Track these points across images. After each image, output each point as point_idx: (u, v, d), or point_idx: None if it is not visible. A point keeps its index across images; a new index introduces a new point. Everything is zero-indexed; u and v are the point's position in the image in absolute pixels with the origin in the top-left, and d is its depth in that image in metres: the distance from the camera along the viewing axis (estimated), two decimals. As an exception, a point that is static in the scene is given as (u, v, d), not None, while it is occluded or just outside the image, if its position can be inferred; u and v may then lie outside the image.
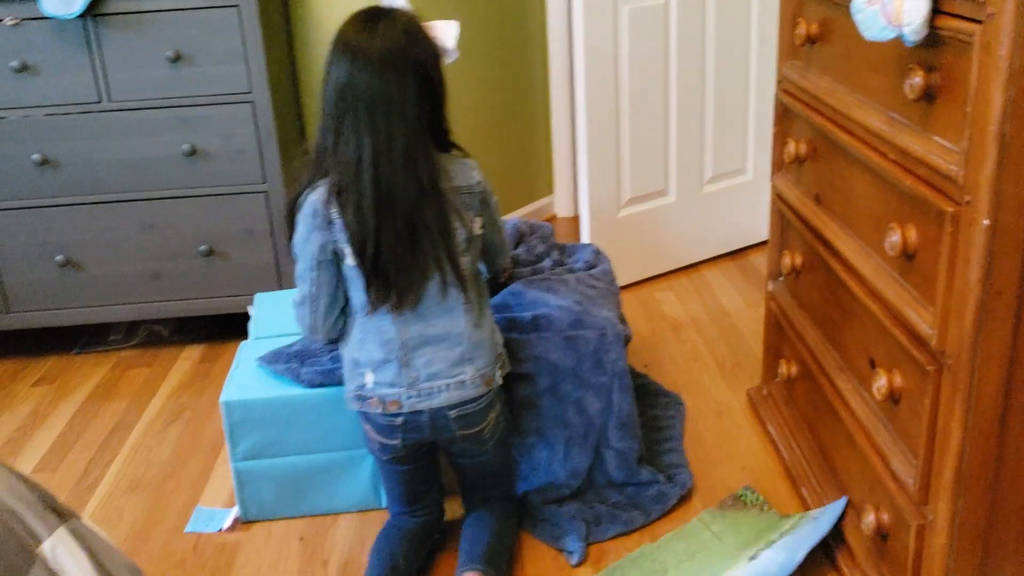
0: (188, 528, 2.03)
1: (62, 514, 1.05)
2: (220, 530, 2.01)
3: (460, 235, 1.66)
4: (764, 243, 3.36)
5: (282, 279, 2.73)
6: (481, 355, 1.71)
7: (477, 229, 1.72)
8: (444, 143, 1.70)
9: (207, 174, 2.60)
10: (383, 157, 1.55)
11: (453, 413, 1.71)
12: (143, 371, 2.72)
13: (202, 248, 2.67)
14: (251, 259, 2.70)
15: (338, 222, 1.60)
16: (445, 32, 1.68)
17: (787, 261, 2.01)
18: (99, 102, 2.53)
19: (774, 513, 1.90)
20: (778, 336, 2.17)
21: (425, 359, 1.68)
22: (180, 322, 2.96)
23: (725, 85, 3.07)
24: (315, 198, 1.62)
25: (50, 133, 2.55)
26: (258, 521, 2.03)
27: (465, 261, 1.67)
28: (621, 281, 2.96)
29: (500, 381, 1.77)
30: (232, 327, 2.80)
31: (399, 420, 1.70)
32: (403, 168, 1.56)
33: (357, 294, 1.67)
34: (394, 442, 1.74)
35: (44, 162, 2.56)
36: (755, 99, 3.15)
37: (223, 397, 1.95)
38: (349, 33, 1.60)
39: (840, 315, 1.74)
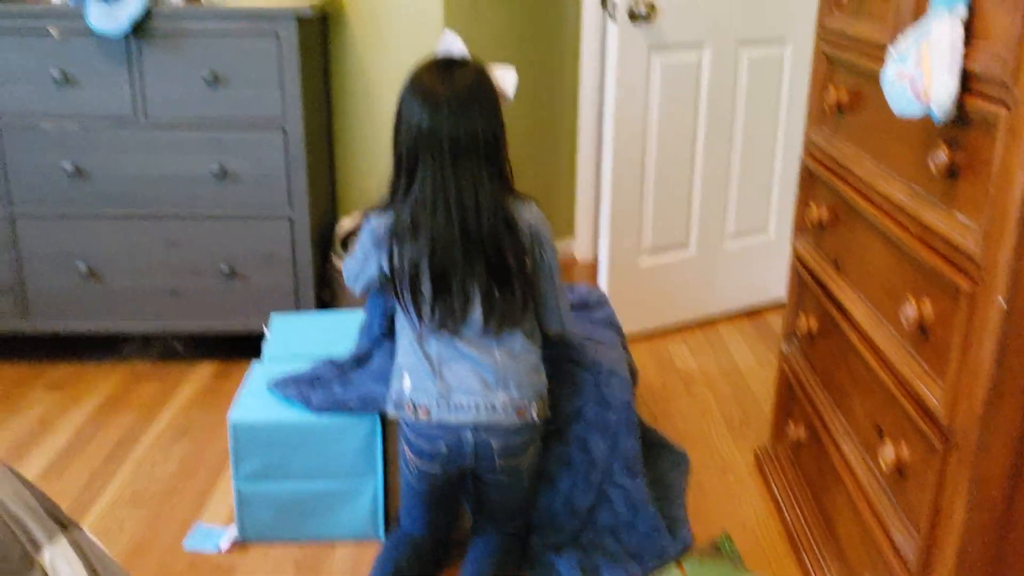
0: (185, 544, 2.03)
1: (64, 523, 1.06)
2: (217, 549, 2.01)
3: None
4: (782, 303, 3.36)
5: (299, 304, 2.76)
6: (515, 386, 1.74)
7: (528, 266, 1.78)
8: (505, 184, 1.79)
9: (234, 196, 2.64)
10: (457, 194, 1.67)
11: (496, 444, 1.74)
12: (154, 385, 2.74)
13: (223, 268, 2.69)
14: (270, 283, 2.72)
15: (401, 250, 1.71)
16: (505, 78, 1.79)
17: (802, 323, 2.01)
18: (135, 118, 2.57)
19: (744, 570, 1.90)
20: (789, 397, 2.17)
21: (458, 376, 1.74)
22: (195, 339, 2.98)
23: (753, 143, 3.09)
24: (378, 223, 1.77)
25: (84, 144, 2.59)
26: (256, 543, 2.03)
27: (513, 296, 1.75)
28: (635, 330, 2.97)
29: (534, 417, 1.77)
30: (246, 347, 2.81)
31: (442, 446, 1.73)
32: (475, 205, 1.68)
33: (410, 313, 1.77)
34: (432, 469, 1.77)
35: (76, 172, 2.61)
36: (781, 159, 3.17)
37: (231, 417, 1.96)
38: (424, 79, 1.70)
39: (850, 381, 1.74)
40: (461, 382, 1.73)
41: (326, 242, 2.91)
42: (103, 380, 2.77)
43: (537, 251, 1.80)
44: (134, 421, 2.53)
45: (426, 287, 1.71)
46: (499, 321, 1.73)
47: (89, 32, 2.49)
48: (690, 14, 2.82)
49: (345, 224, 2.90)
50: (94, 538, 1.13)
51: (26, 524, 1.00)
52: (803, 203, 2.07)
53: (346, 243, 2.83)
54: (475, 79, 1.70)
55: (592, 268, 3.76)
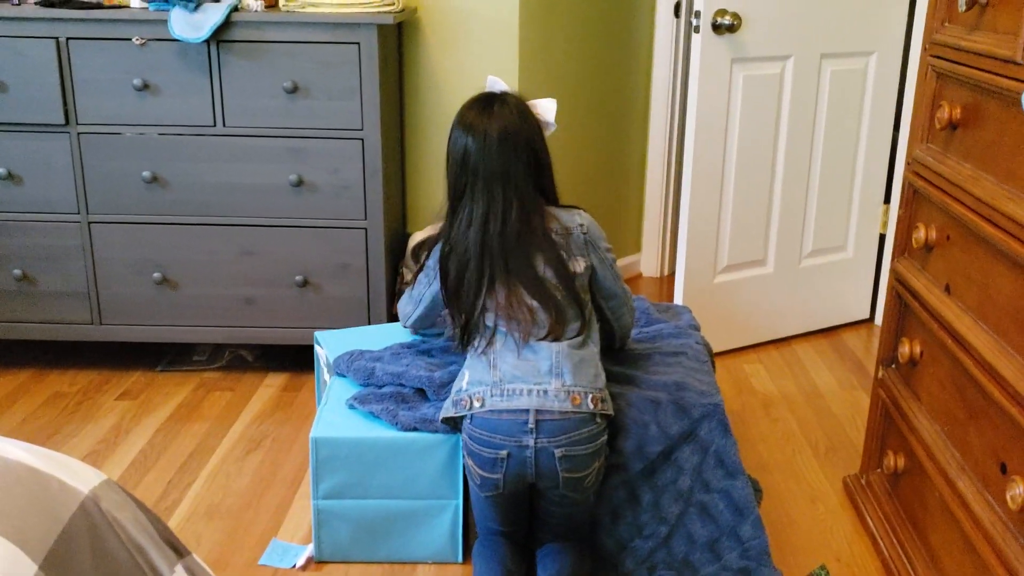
0: (262, 560, 2.00)
1: (179, 550, 1.03)
2: (294, 566, 1.98)
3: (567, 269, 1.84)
4: (859, 323, 3.27)
5: (371, 315, 2.73)
6: (571, 373, 1.77)
7: (580, 268, 1.86)
8: (553, 200, 1.92)
9: (310, 206, 2.62)
10: (485, 217, 1.80)
11: (559, 452, 1.73)
12: (226, 395, 2.72)
13: (298, 278, 2.67)
14: (344, 293, 2.69)
15: (447, 270, 1.86)
16: (546, 109, 1.91)
17: (904, 349, 1.93)
18: (213, 126, 2.56)
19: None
20: (885, 425, 2.09)
21: (511, 365, 1.79)
22: (264, 348, 2.96)
23: (833, 159, 3.01)
24: (437, 250, 1.90)
25: (163, 152, 2.58)
26: (333, 562, 1.99)
27: (565, 295, 1.82)
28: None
29: (590, 406, 1.76)
30: (312, 359, 2.78)
31: (503, 454, 1.74)
32: (519, 226, 1.80)
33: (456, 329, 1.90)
34: (496, 476, 1.76)
35: (154, 180, 2.60)
36: (862, 176, 3.08)
37: (313, 433, 1.93)
38: (468, 116, 1.84)
39: (965, 413, 1.65)
40: (514, 370, 1.78)
41: (398, 254, 2.88)
42: (174, 389, 2.75)
43: (591, 252, 1.89)
44: (207, 432, 2.51)
45: (457, 308, 1.86)
46: (544, 330, 1.80)
47: (170, 40, 2.48)
48: (775, 26, 2.76)
49: (417, 237, 2.87)
50: (204, 564, 1.09)
51: (147, 552, 0.97)
52: (907, 224, 1.99)
53: (416, 255, 2.80)
54: (515, 112, 1.83)
55: (659, 283, 3.70)
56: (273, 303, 2.71)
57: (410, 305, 2.06)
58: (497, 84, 1.91)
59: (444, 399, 1.93)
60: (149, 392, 2.74)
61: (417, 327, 2.11)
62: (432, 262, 1.92)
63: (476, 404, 1.77)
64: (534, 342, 1.80)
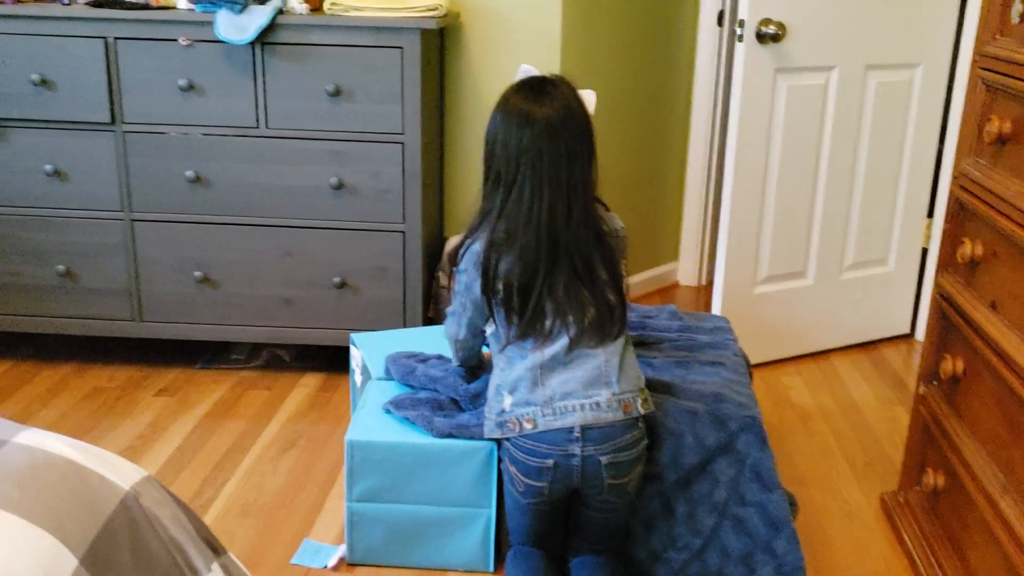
0: (294, 560, 2.01)
1: (216, 549, 1.03)
2: (325, 566, 1.99)
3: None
4: (899, 337, 3.23)
5: (407, 318, 2.73)
6: (618, 380, 1.75)
7: (623, 270, 1.83)
8: (594, 196, 1.83)
9: (350, 209, 2.63)
10: (550, 208, 1.70)
11: (605, 460, 1.71)
12: (262, 393, 2.74)
13: (335, 280, 2.69)
14: (381, 295, 2.71)
15: (497, 263, 1.73)
16: (588, 100, 1.81)
17: (947, 366, 1.90)
18: (256, 127, 2.59)
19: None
20: (925, 442, 2.05)
21: (559, 379, 1.73)
22: (301, 348, 2.98)
23: (876, 171, 2.97)
24: (477, 247, 1.77)
25: (206, 152, 2.61)
26: (365, 565, 2.00)
27: (616, 296, 1.78)
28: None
29: (640, 410, 1.76)
30: (349, 360, 2.80)
31: (550, 463, 1.71)
32: (565, 217, 1.71)
33: (502, 328, 1.78)
34: (541, 484, 1.74)
35: (196, 179, 2.63)
36: (905, 189, 3.04)
37: (348, 436, 1.93)
38: (518, 102, 1.74)
39: (1009, 432, 1.62)
40: (562, 386, 1.73)
41: (434, 258, 2.88)
42: (212, 387, 2.78)
43: (626, 258, 1.87)
44: (243, 430, 2.53)
45: (516, 300, 1.74)
46: (594, 329, 1.74)
47: (216, 41, 2.51)
48: (820, 36, 2.73)
49: (452, 241, 2.87)
50: (239, 562, 1.10)
51: (186, 550, 0.97)
52: (951, 238, 1.96)
53: (454, 259, 2.80)
54: (568, 95, 1.74)
55: (696, 292, 3.68)
56: (311, 304, 2.73)
57: (453, 325, 1.91)
58: (531, 71, 1.82)
59: (479, 408, 1.92)
60: (187, 389, 2.76)
61: (467, 348, 1.95)
62: (469, 263, 1.78)
63: (527, 426, 1.72)
64: (578, 349, 1.74)
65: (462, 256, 1.80)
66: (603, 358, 1.75)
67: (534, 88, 1.75)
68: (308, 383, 2.82)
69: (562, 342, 1.74)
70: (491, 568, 1.98)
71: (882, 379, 2.92)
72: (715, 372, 2.09)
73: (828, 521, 2.17)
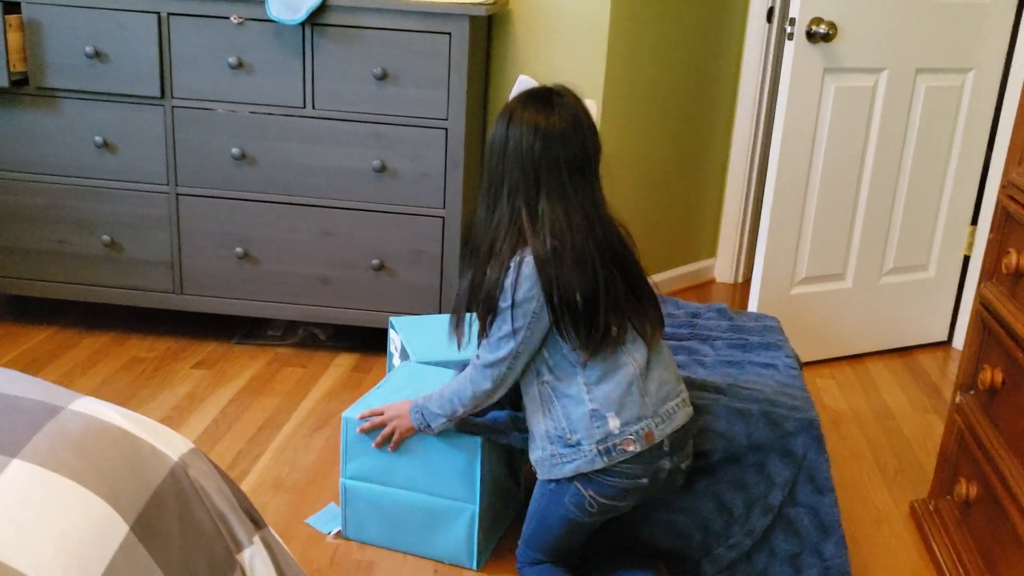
0: (309, 520, 2.07)
1: (257, 521, 1.06)
2: (328, 533, 2.04)
3: None
4: (936, 344, 3.20)
5: (443, 303, 2.75)
6: (680, 379, 1.79)
7: None
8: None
9: (391, 192, 2.65)
10: (586, 215, 1.67)
11: (684, 466, 1.74)
12: (297, 371, 2.78)
13: (374, 262, 2.71)
14: (418, 279, 2.73)
15: (557, 278, 1.63)
16: (591, 109, 1.79)
17: (985, 376, 1.89)
18: (303, 108, 2.61)
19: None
20: (959, 451, 2.04)
21: (656, 383, 1.71)
22: (336, 328, 3.01)
23: (921, 176, 2.95)
24: (530, 260, 1.65)
25: (252, 130, 2.64)
26: (358, 542, 2.02)
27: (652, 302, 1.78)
28: (782, 361, 2.86)
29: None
30: (386, 341, 2.82)
31: (644, 482, 1.69)
32: (601, 222, 1.69)
33: (572, 348, 1.68)
34: (623, 504, 1.72)
35: (242, 157, 2.66)
36: (950, 195, 3.01)
37: (345, 412, 1.96)
38: (528, 114, 1.69)
39: (1048, 446, 1.61)
40: (659, 389, 1.71)
41: (473, 244, 2.90)
42: (248, 362, 2.82)
43: None
44: (278, 406, 2.57)
45: (584, 315, 1.65)
46: (653, 326, 1.74)
47: (267, 20, 2.53)
48: (871, 37, 2.70)
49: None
50: (278, 536, 1.12)
51: (229, 521, 1.00)
52: (996, 247, 1.94)
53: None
54: (575, 106, 1.72)
55: (732, 290, 3.66)
56: (348, 284, 2.76)
57: (497, 373, 1.71)
58: (530, 83, 1.80)
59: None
60: (224, 363, 2.80)
61: (507, 387, 1.75)
62: (532, 289, 1.64)
63: (647, 441, 1.66)
64: (654, 349, 1.72)
65: (513, 285, 1.64)
66: (668, 353, 1.78)
67: (542, 99, 1.71)
68: (342, 363, 2.85)
69: (640, 347, 1.71)
70: (475, 566, 1.96)
71: (917, 385, 2.90)
72: (769, 374, 2.08)
73: (857, 526, 2.16)
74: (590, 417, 1.67)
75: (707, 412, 1.89)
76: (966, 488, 1.95)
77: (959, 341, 3.13)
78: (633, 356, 1.70)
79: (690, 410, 1.77)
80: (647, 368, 1.70)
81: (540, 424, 1.73)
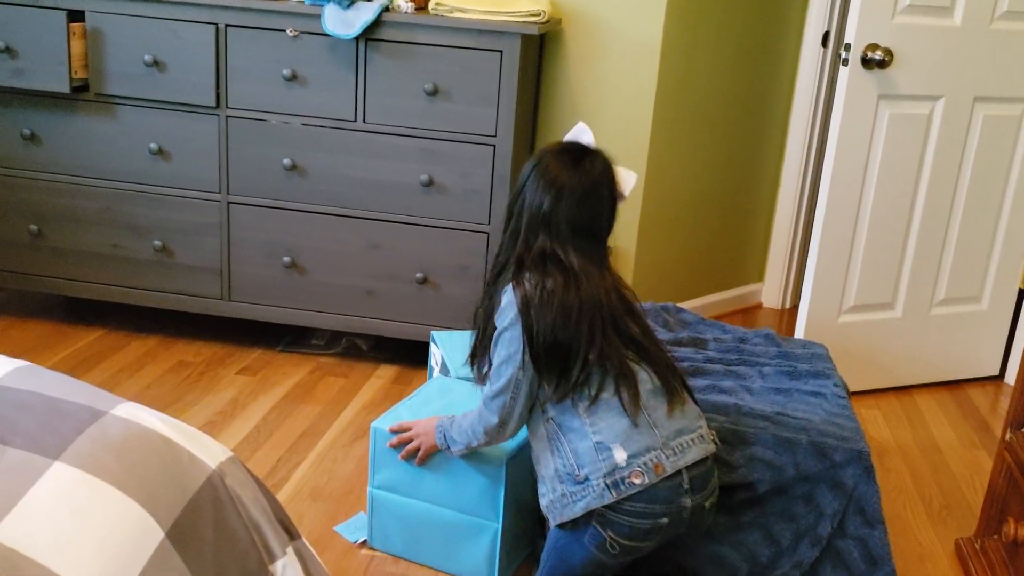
0: (337, 527, 2.09)
1: (291, 532, 1.06)
2: (354, 541, 2.05)
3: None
4: (988, 379, 3.13)
5: (486, 319, 2.75)
6: (700, 412, 1.76)
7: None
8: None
9: (438, 206, 2.67)
10: (594, 272, 1.69)
11: (708, 504, 1.69)
12: (339, 380, 2.80)
13: (418, 276, 2.72)
14: (461, 294, 2.73)
15: (539, 321, 1.66)
16: (626, 179, 1.78)
17: (1037, 414, 1.84)
18: (354, 121, 2.64)
19: None
20: (1008, 490, 1.99)
21: (662, 416, 1.67)
22: (379, 340, 3.03)
23: (976, 206, 2.89)
24: (519, 292, 1.68)
25: (304, 142, 2.67)
26: (383, 552, 2.02)
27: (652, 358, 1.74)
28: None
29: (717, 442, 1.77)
30: (427, 354, 2.83)
31: (664, 521, 1.63)
32: (597, 284, 1.69)
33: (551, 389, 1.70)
34: (646, 544, 1.66)
35: (293, 167, 2.69)
36: (1006, 227, 2.95)
37: (375, 422, 1.97)
38: (551, 164, 1.72)
39: (1101, 490, 1.56)
40: (672, 423, 1.67)
41: (518, 260, 2.90)
42: (291, 370, 2.85)
43: None
44: (319, 415, 2.59)
45: (559, 359, 1.66)
46: (665, 379, 1.71)
47: (322, 34, 2.56)
48: (928, 65, 2.66)
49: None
50: (311, 547, 1.12)
51: (264, 532, 1.00)
52: (1053, 283, 1.89)
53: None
54: (600, 172, 1.72)
55: (779, 315, 3.62)
56: (392, 297, 2.77)
57: (504, 394, 1.71)
58: (585, 133, 1.80)
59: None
60: (268, 370, 2.83)
61: (517, 425, 1.76)
62: (510, 316, 1.68)
63: (656, 473, 1.61)
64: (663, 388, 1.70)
65: (502, 312, 1.70)
66: (687, 391, 1.76)
67: (573, 155, 1.73)
68: (383, 374, 2.86)
69: (645, 383, 1.68)
70: None
71: (966, 420, 2.84)
72: (817, 403, 2.05)
73: (900, 562, 2.11)
74: (595, 450, 1.64)
75: (755, 442, 1.87)
76: (1014, 528, 1.90)
77: (1011, 376, 3.06)
78: (640, 393, 1.66)
79: (710, 447, 1.70)
80: (656, 405, 1.68)
81: (549, 464, 1.70)
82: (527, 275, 1.69)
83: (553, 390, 1.67)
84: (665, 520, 1.63)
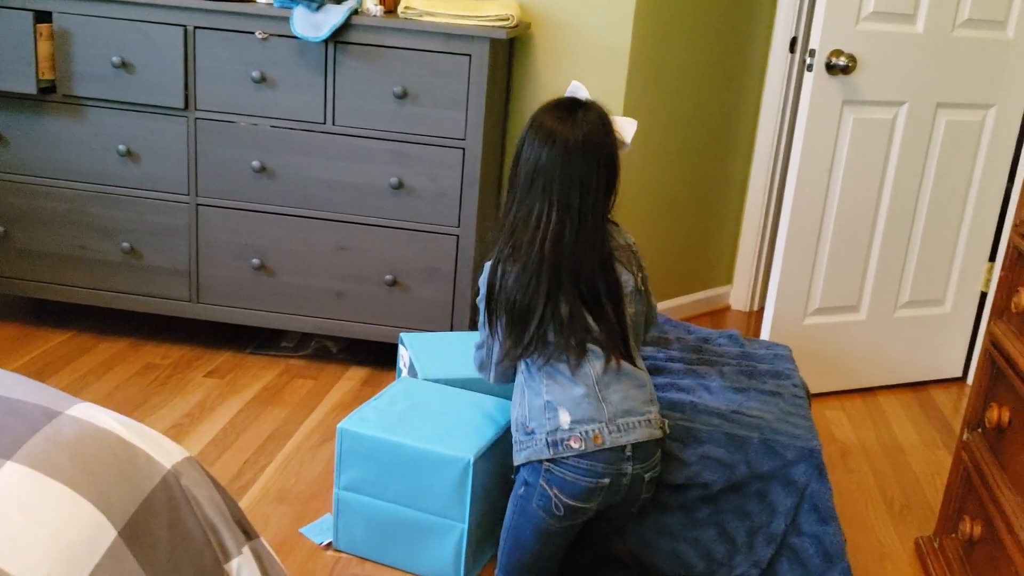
0: (302, 529, 2.09)
1: (248, 532, 1.07)
2: (320, 543, 2.05)
3: (628, 286, 1.81)
4: (950, 380, 3.18)
5: (455, 320, 2.77)
6: (655, 399, 1.82)
7: (640, 284, 1.86)
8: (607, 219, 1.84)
9: (407, 209, 2.68)
10: (557, 231, 1.70)
11: (647, 476, 1.75)
12: (308, 383, 2.80)
13: (387, 278, 2.73)
14: (430, 296, 2.74)
15: (503, 277, 1.74)
16: (625, 128, 1.80)
17: (992, 414, 1.87)
18: (323, 123, 2.64)
19: None
20: (965, 489, 2.02)
21: (619, 395, 1.74)
22: (349, 342, 3.03)
23: (939, 210, 2.93)
24: (489, 265, 1.80)
25: (273, 144, 2.68)
26: (347, 553, 2.03)
27: (632, 312, 1.82)
28: (793, 391, 2.85)
29: (666, 431, 1.82)
30: (395, 357, 2.84)
31: (605, 482, 1.71)
32: (588, 239, 1.72)
33: (498, 344, 1.81)
34: (588, 506, 1.74)
35: (262, 169, 2.69)
36: (968, 231, 3.00)
37: (341, 423, 1.98)
38: (549, 120, 1.74)
39: (1051, 488, 1.60)
40: (622, 402, 1.74)
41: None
42: (260, 372, 2.84)
43: (644, 272, 1.87)
44: (286, 417, 2.59)
45: (516, 319, 1.74)
46: (615, 355, 1.75)
47: (291, 37, 2.57)
48: (891, 71, 2.70)
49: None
50: (269, 547, 1.13)
51: (219, 531, 1.01)
52: (1007, 286, 1.93)
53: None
54: (595, 122, 1.73)
55: (747, 318, 3.66)
56: (362, 299, 2.78)
57: (485, 353, 1.90)
58: (580, 91, 1.80)
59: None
60: (236, 372, 2.83)
61: (503, 377, 1.90)
62: (483, 282, 1.80)
63: (595, 443, 1.69)
64: (626, 366, 1.75)
65: (481, 277, 1.83)
66: (646, 375, 1.81)
67: (565, 108, 1.75)
68: (353, 376, 2.87)
69: (599, 359, 1.74)
70: None
71: (929, 421, 2.88)
72: (773, 402, 2.08)
73: (860, 560, 2.15)
74: (544, 408, 1.74)
75: (707, 440, 1.89)
76: (970, 526, 1.93)
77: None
78: (594, 366, 1.74)
79: (656, 432, 1.76)
80: (609, 381, 1.74)
81: (514, 411, 1.83)
82: (502, 237, 1.76)
83: (510, 348, 1.76)
84: (606, 481, 1.71)
